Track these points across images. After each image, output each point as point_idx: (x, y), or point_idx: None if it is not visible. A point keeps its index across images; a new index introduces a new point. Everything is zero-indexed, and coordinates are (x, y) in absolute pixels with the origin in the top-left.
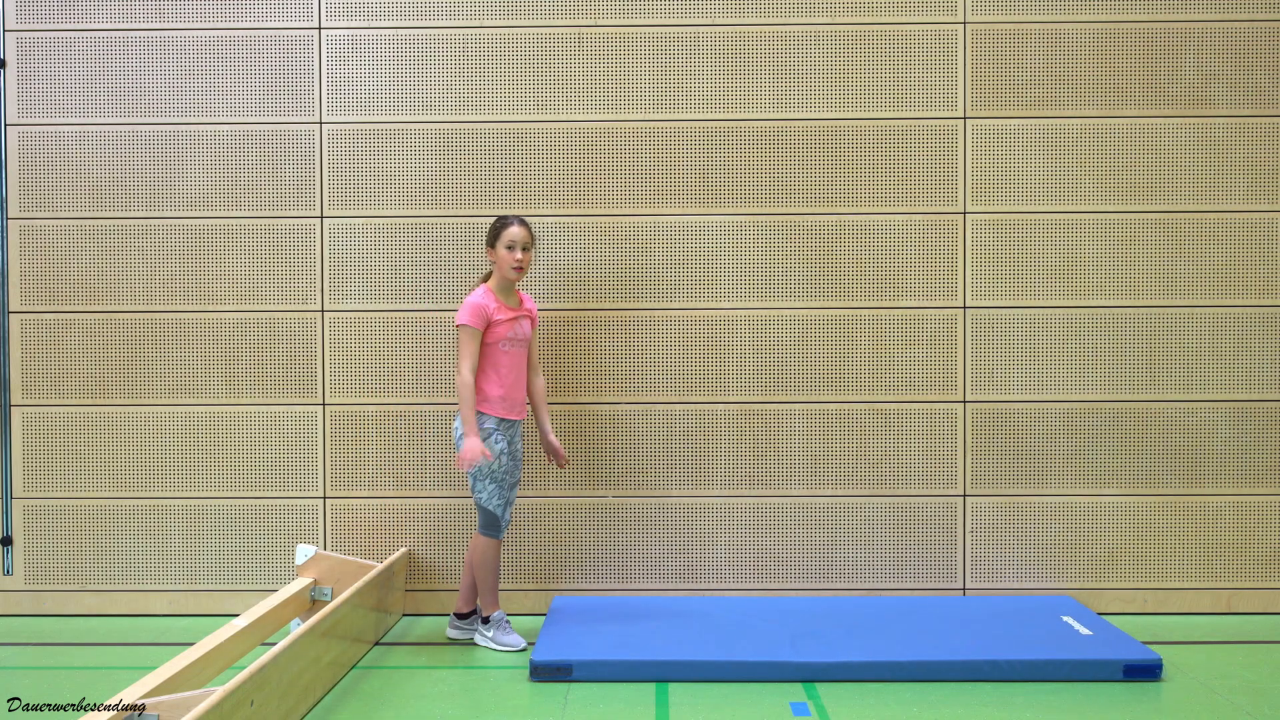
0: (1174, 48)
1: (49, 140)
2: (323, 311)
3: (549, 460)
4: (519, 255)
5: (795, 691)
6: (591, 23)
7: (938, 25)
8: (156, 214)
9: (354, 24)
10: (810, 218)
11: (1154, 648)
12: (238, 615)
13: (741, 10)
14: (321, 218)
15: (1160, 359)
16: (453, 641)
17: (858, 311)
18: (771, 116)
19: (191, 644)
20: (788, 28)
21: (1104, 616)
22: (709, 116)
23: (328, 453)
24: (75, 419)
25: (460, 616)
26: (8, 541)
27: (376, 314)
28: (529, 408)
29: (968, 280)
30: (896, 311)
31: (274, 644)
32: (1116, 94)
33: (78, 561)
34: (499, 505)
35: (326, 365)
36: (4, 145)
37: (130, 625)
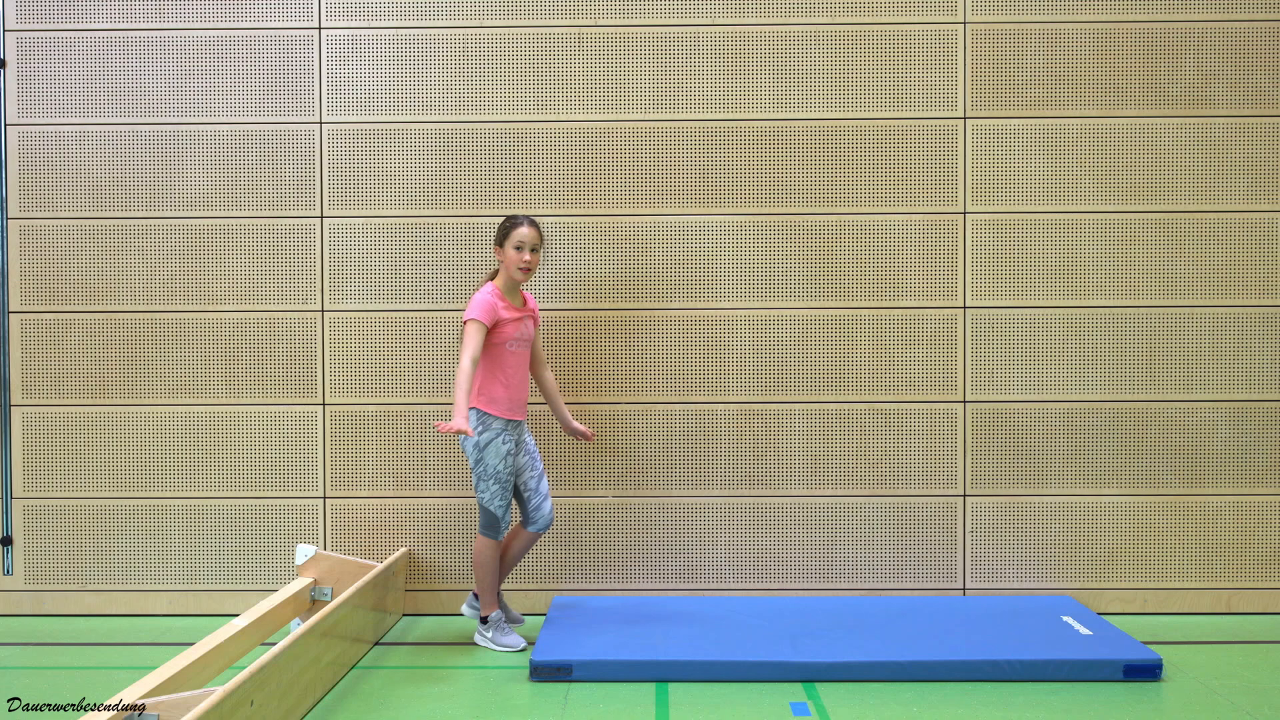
0: (1174, 48)
1: (49, 140)
2: (323, 311)
3: (579, 441)
4: (527, 256)
5: (795, 691)
6: (591, 23)
7: (938, 25)
8: (156, 214)
9: (354, 24)
10: (810, 218)
11: (1154, 648)
12: (238, 615)
13: (741, 10)
14: (321, 218)
15: (1160, 359)
16: (452, 642)
17: (858, 311)
18: (771, 116)
19: (191, 644)
20: (788, 28)
21: (1104, 616)
22: (709, 116)
23: (328, 453)
24: (75, 419)
25: (485, 620)
26: (8, 541)
27: (376, 314)
28: (547, 403)
29: (968, 280)
30: (896, 311)
31: (274, 644)
32: (1116, 94)
33: (78, 561)
34: (500, 507)
35: (326, 365)
36: (4, 145)
37: (130, 625)
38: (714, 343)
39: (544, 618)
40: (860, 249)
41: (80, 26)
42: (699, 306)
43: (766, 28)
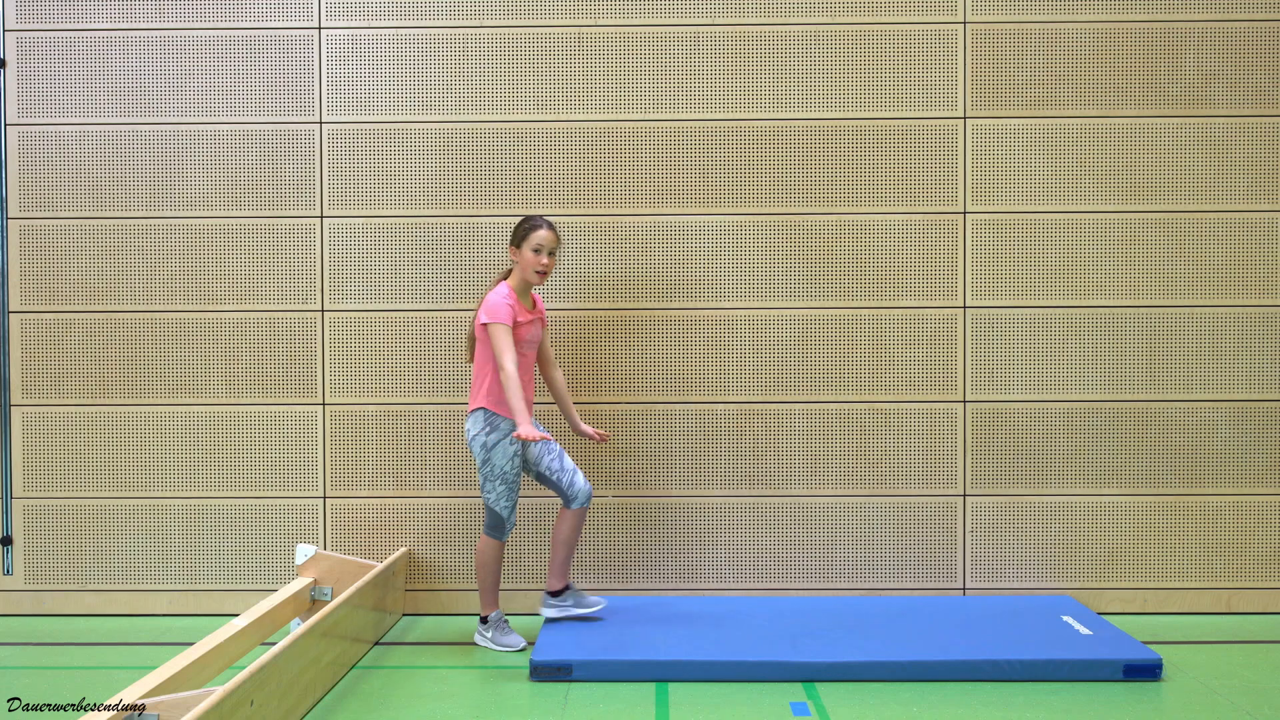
0: (1174, 48)
1: (49, 140)
2: (323, 311)
3: (591, 443)
4: (545, 259)
5: (795, 691)
6: (591, 23)
7: (938, 25)
8: (156, 214)
9: (354, 24)
10: (810, 218)
11: (1154, 648)
12: (238, 615)
13: (741, 10)
14: (321, 217)
15: (1160, 359)
16: (452, 642)
17: (858, 311)
18: (771, 116)
19: (191, 644)
20: (788, 28)
21: (1104, 616)
22: (709, 116)
23: (328, 453)
24: (75, 419)
25: (554, 595)
26: (8, 541)
27: (376, 314)
28: (557, 404)
29: (968, 280)
30: (896, 311)
31: (274, 644)
32: (1116, 94)
33: (78, 561)
34: (506, 508)
35: (326, 365)
36: (4, 145)
37: (130, 625)
38: (714, 343)
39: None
40: (860, 249)
41: (80, 26)
42: (699, 306)
43: (766, 28)
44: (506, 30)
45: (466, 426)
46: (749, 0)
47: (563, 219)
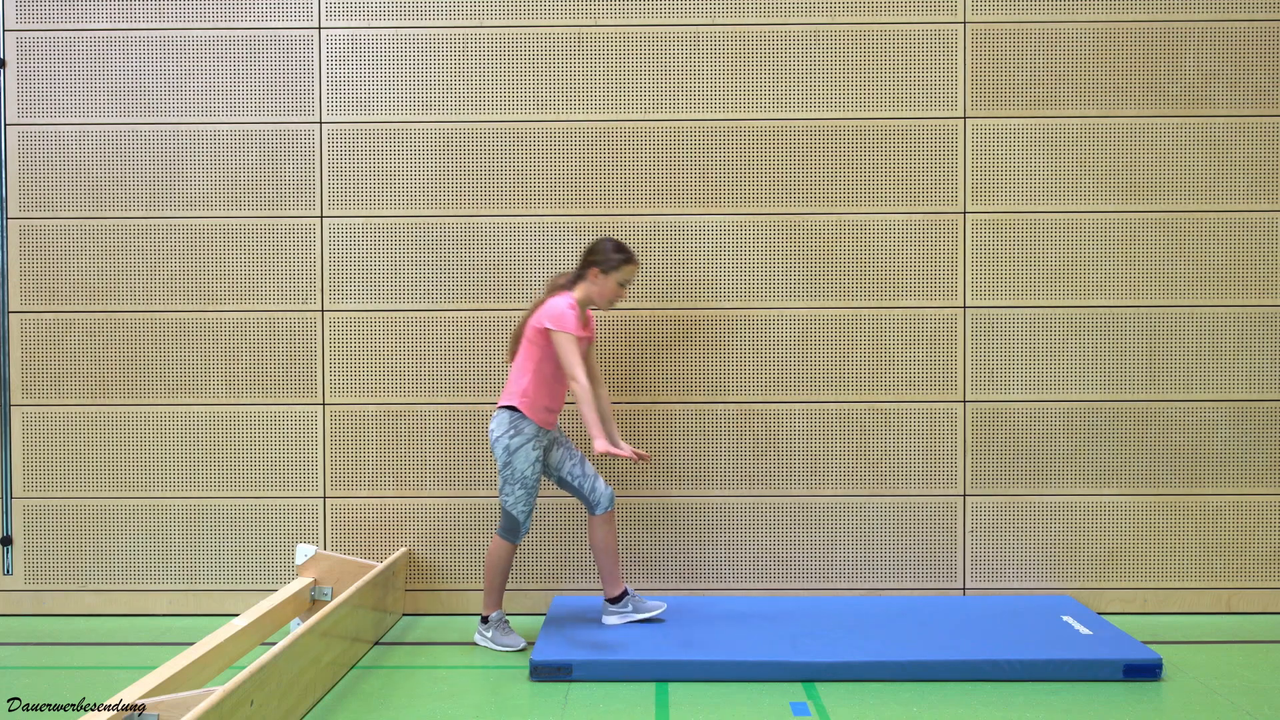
0: (1174, 48)
1: (49, 140)
2: (323, 311)
3: (634, 461)
4: (624, 293)
5: (795, 691)
6: (591, 23)
7: (938, 25)
8: (156, 214)
9: (354, 24)
10: (810, 218)
11: (1154, 648)
12: (238, 615)
13: (741, 10)
14: (321, 217)
15: (1160, 359)
16: (452, 642)
17: (858, 311)
18: (771, 116)
19: (191, 644)
20: (788, 28)
21: (1104, 616)
22: (709, 116)
23: (328, 453)
24: (75, 419)
25: (613, 602)
26: (8, 541)
27: (376, 314)
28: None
29: (968, 280)
30: (896, 311)
31: (274, 644)
32: (1116, 94)
33: (78, 561)
34: (523, 512)
35: (326, 365)
36: (4, 145)
37: (130, 625)
38: (714, 343)
39: (544, 618)
40: (860, 249)
41: (80, 26)
42: (699, 306)
43: (766, 28)
44: (506, 30)
45: (491, 426)
46: (749, 0)
47: (563, 219)
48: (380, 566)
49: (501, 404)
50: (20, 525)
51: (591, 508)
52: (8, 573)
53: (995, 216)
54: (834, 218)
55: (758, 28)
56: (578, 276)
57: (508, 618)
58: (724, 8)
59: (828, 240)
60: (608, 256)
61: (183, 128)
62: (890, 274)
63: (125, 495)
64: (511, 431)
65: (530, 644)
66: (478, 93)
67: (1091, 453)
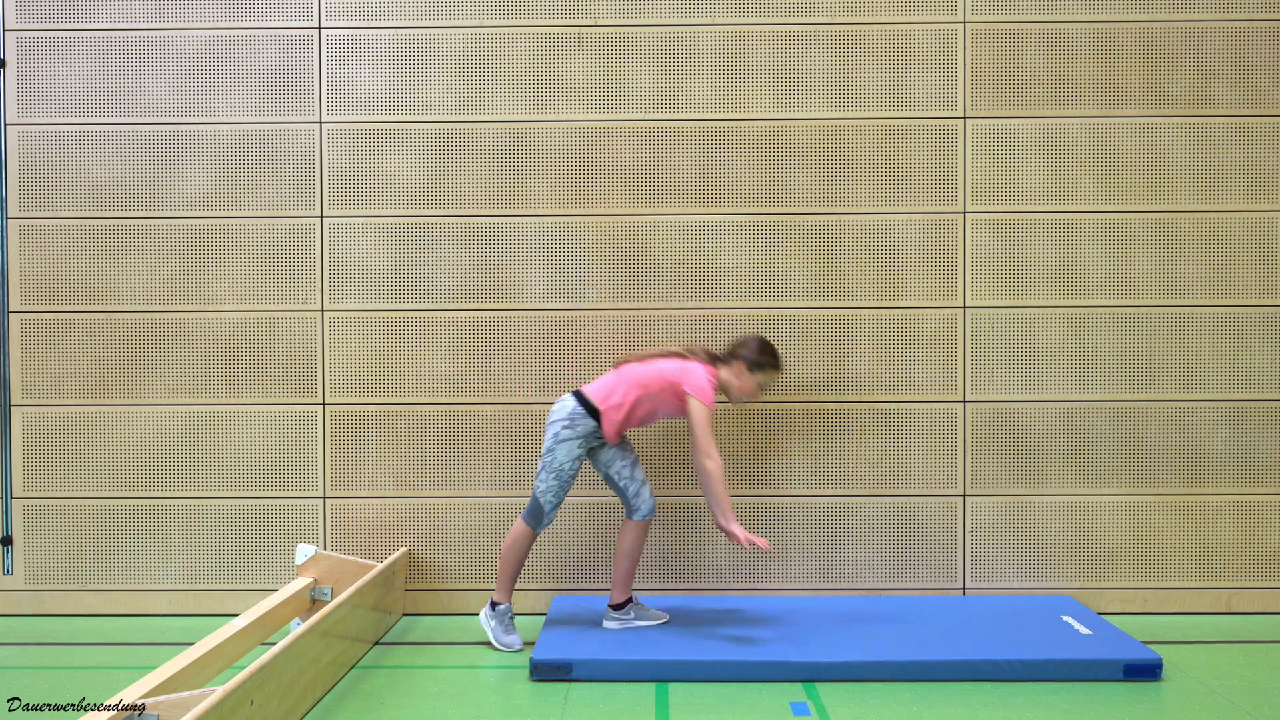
0: (1174, 48)
1: (49, 140)
2: (323, 311)
3: (750, 548)
4: (759, 396)
5: (795, 691)
6: (591, 23)
7: (938, 25)
8: (156, 214)
9: (354, 24)
10: (810, 218)
11: (1154, 648)
12: (238, 615)
13: (741, 10)
14: (321, 217)
15: (1160, 359)
16: (452, 642)
17: (858, 311)
18: (771, 116)
19: (191, 644)
20: (788, 28)
21: (1104, 616)
22: (709, 116)
23: (328, 453)
24: (75, 419)
25: (615, 608)
26: (8, 541)
27: (376, 314)
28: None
29: (968, 280)
30: (896, 311)
31: (274, 644)
32: (1116, 94)
33: (78, 561)
34: (550, 502)
35: (326, 365)
36: (4, 145)
37: (130, 625)
38: (714, 342)
39: (544, 618)
40: (860, 249)
41: (80, 26)
42: (699, 306)
43: (766, 28)
44: (506, 30)
45: (554, 407)
46: (749, 0)
47: (563, 219)
48: (380, 566)
49: (578, 394)
50: (20, 525)
51: (630, 511)
52: (8, 573)
53: (995, 216)
54: (834, 218)
55: (758, 28)
56: (722, 359)
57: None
58: (724, 8)
59: (828, 240)
60: (756, 357)
61: (183, 128)
62: (890, 274)
63: (125, 495)
64: (568, 423)
65: (530, 644)
66: (478, 93)
67: (1091, 453)
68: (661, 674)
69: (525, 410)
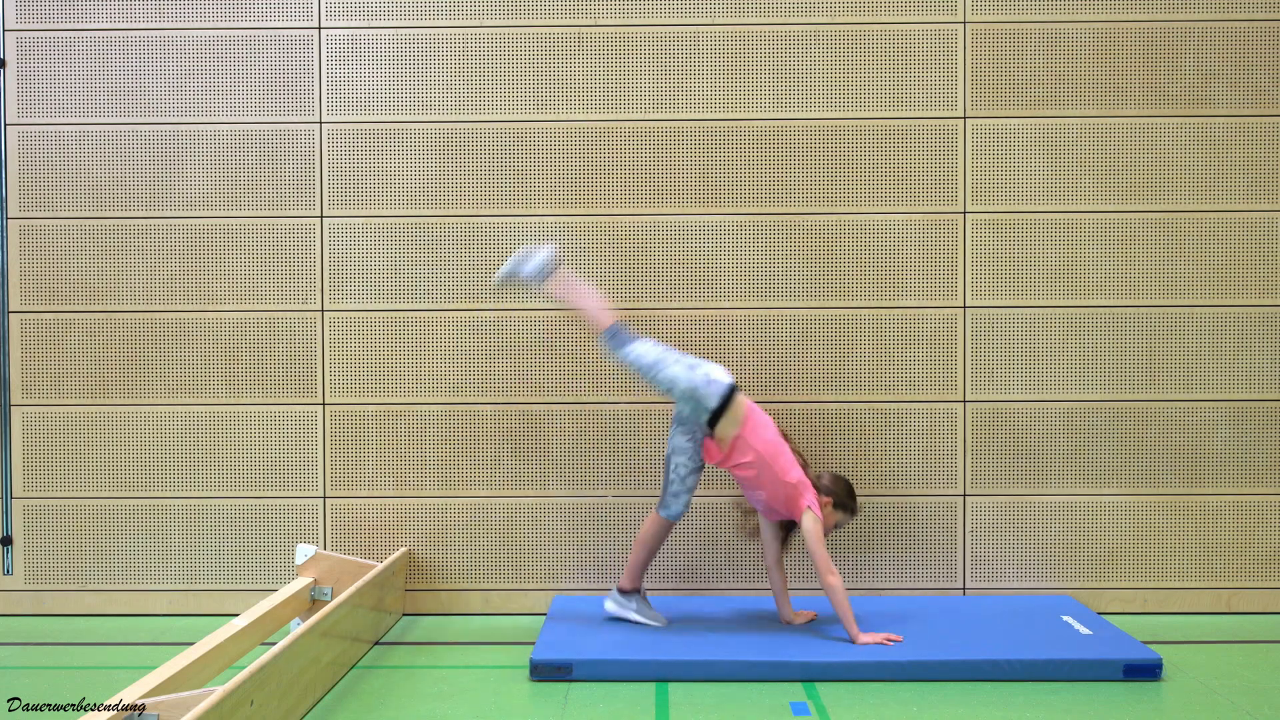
0: (1174, 48)
1: (49, 140)
2: (323, 311)
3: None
4: (831, 532)
5: (795, 691)
6: (591, 23)
7: (938, 25)
8: (156, 214)
9: (354, 24)
10: (810, 218)
11: (1154, 648)
12: (238, 615)
13: (741, 10)
14: (321, 217)
15: (1160, 359)
16: (452, 642)
17: (858, 311)
18: (771, 116)
19: (191, 644)
20: (788, 28)
21: (1104, 616)
22: (709, 116)
23: (328, 453)
24: (75, 419)
25: (622, 592)
26: (8, 541)
27: (376, 314)
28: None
29: (968, 280)
30: (896, 311)
31: (274, 644)
32: (1116, 94)
33: (78, 561)
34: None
35: (326, 365)
36: (4, 145)
37: (130, 625)
38: (714, 343)
39: (544, 618)
40: (860, 249)
41: (80, 26)
42: (699, 306)
43: (766, 28)
44: (506, 30)
45: (722, 369)
46: (749, 0)
47: (563, 219)
48: (380, 566)
49: (735, 387)
50: (20, 525)
51: (661, 505)
52: (8, 573)
53: (995, 216)
54: (834, 218)
55: (758, 28)
56: (821, 485)
57: (509, 615)
58: (724, 8)
59: (828, 240)
60: (842, 499)
61: (183, 128)
62: (890, 274)
63: (125, 495)
64: (704, 385)
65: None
66: (478, 93)
67: (1091, 453)
68: (661, 674)
69: (525, 410)
